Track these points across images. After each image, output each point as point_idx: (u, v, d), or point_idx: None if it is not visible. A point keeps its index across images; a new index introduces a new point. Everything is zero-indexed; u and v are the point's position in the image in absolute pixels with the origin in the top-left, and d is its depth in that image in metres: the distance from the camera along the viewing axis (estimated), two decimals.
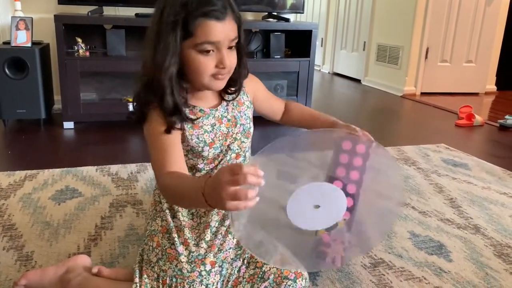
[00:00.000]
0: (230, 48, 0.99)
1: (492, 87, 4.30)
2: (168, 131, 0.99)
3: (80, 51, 2.54)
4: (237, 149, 1.12)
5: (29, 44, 2.44)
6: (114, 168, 1.94)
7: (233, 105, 1.13)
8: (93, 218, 1.49)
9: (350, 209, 1.10)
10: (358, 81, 4.67)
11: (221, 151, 1.09)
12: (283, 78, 2.97)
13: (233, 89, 1.10)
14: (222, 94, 1.11)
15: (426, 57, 3.96)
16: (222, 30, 0.95)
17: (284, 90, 2.96)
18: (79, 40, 2.55)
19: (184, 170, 0.99)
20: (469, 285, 1.21)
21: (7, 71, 2.37)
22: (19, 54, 2.38)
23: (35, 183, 1.76)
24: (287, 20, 2.92)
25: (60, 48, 2.40)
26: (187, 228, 1.06)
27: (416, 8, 3.81)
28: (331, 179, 1.09)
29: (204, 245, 1.03)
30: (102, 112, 2.57)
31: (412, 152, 2.34)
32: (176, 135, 1.02)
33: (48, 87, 2.66)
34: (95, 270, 1.10)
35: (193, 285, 0.98)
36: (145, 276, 1.01)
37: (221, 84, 1.03)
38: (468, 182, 1.95)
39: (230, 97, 1.12)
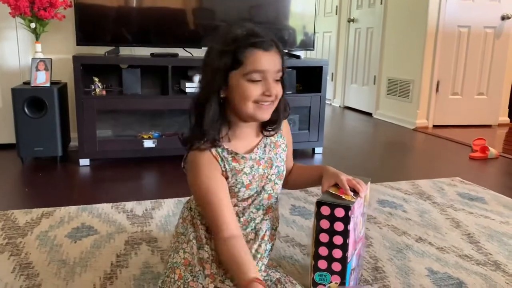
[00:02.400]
0: (275, 80, 1.04)
1: (505, 119, 4.28)
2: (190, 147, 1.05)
3: (97, 90, 2.61)
4: (270, 190, 1.14)
5: (48, 84, 2.51)
6: (129, 205, 1.96)
7: (271, 147, 1.15)
8: (108, 256, 1.49)
9: (339, 273, 1.12)
10: (369, 114, 4.69)
11: (256, 191, 1.12)
12: (295, 113, 3.00)
13: (273, 125, 1.14)
14: (262, 132, 1.15)
15: (437, 90, 3.98)
16: (269, 60, 1.02)
17: (296, 124, 2.99)
18: (96, 79, 2.62)
19: (237, 225, 1.05)
20: None
21: (26, 110, 2.44)
22: (38, 94, 2.46)
23: (52, 220, 1.77)
24: (298, 57, 2.98)
25: (77, 88, 2.47)
26: (214, 263, 1.07)
27: (426, 42, 3.86)
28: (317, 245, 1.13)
29: (229, 283, 1.04)
30: (118, 149, 2.61)
31: (427, 186, 2.32)
32: (223, 180, 1.05)
33: (65, 125, 2.72)
34: None
35: None
36: None
37: (266, 114, 1.06)
38: (485, 216, 1.92)
39: (270, 132, 1.15)
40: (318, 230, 1.11)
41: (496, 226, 1.82)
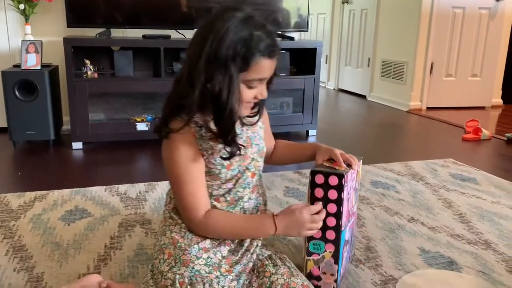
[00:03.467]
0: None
1: (498, 100, 4.29)
2: (227, 158, 1.03)
3: (89, 72, 2.58)
4: (253, 168, 1.15)
5: (38, 67, 2.48)
6: (122, 187, 1.96)
7: (247, 127, 1.15)
8: (102, 238, 1.50)
9: (334, 241, 1.14)
10: (363, 97, 4.69)
11: (239, 171, 1.12)
12: (288, 95, 2.99)
13: (254, 111, 1.13)
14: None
15: (431, 72, 3.97)
16: (271, 68, 1.02)
17: (290, 107, 2.98)
18: (88, 62, 2.59)
19: (208, 201, 1.09)
20: None
21: (17, 93, 2.42)
22: (29, 77, 2.43)
23: (45, 204, 1.77)
24: (291, 38, 2.96)
25: (69, 70, 2.44)
26: (208, 239, 1.09)
27: (420, 23, 3.84)
28: None
29: (219, 256, 1.07)
30: (110, 132, 2.60)
31: (420, 167, 2.33)
32: (202, 162, 1.06)
33: (57, 109, 2.70)
34: (104, 285, 1.10)
35: (211, 284, 1.01)
36: None
37: (247, 111, 1.08)
38: (477, 196, 1.94)
39: (253, 120, 1.15)
40: (312, 198, 1.13)
41: (488, 206, 1.84)
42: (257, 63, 0.98)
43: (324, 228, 1.13)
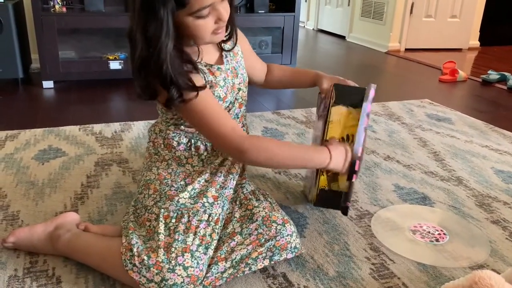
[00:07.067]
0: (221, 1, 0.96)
1: (476, 42, 4.30)
2: (168, 104, 0.95)
3: (56, 6, 2.44)
4: (240, 99, 1.13)
5: (1, 0, 2.32)
6: (97, 127, 1.91)
7: (230, 56, 1.12)
8: (78, 177, 1.48)
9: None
10: (342, 37, 4.62)
11: (231, 102, 1.10)
12: (267, 34, 2.91)
13: (227, 35, 1.08)
14: (219, 44, 1.10)
15: (411, 12, 3.91)
16: None
17: (269, 46, 2.91)
18: None
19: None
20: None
21: None
22: None
23: (17, 143, 1.72)
24: None
25: (35, 4, 2.29)
26: (196, 173, 1.08)
27: None
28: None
29: (203, 181, 1.07)
30: (82, 71, 2.50)
31: (397, 107, 2.35)
32: (209, 91, 1.00)
33: (25, 45, 2.57)
34: (81, 226, 1.10)
35: (197, 214, 1.01)
36: (131, 231, 1.00)
37: (222, 35, 1.01)
38: (451, 136, 1.98)
39: (229, 46, 1.11)
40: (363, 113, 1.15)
41: (461, 144, 1.88)
42: None
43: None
